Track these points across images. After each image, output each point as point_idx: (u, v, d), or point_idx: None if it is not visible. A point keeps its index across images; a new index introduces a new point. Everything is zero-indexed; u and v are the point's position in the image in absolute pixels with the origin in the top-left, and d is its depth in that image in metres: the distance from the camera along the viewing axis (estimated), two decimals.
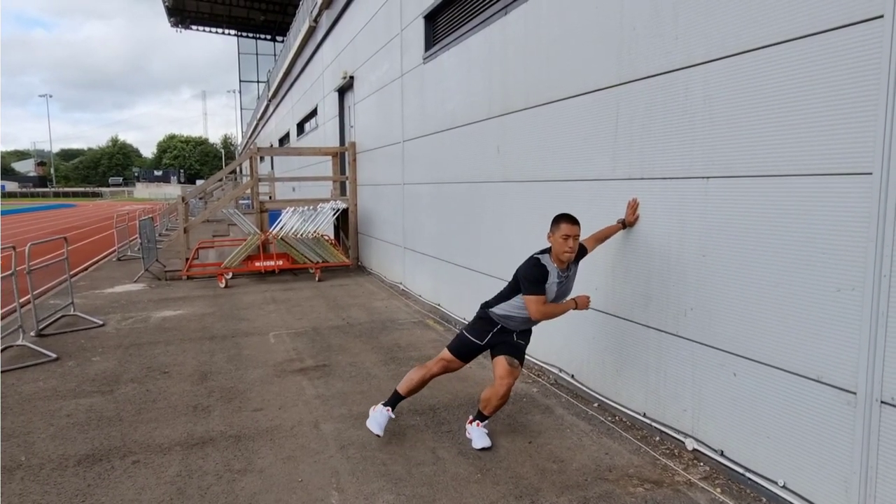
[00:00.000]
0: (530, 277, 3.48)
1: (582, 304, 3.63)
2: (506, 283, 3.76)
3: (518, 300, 3.60)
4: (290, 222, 10.46)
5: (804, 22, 2.75)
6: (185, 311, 7.91)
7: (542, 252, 3.60)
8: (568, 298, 3.68)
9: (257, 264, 10.40)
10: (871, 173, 2.52)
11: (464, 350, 3.80)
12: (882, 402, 2.55)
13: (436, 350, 5.93)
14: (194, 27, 43.10)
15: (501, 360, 3.66)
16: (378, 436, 3.76)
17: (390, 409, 3.83)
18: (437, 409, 4.41)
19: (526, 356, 3.91)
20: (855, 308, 2.62)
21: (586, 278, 4.43)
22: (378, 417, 3.79)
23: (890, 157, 2.44)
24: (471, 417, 3.89)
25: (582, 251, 3.80)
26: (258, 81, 51.62)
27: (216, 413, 4.36)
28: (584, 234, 3.73)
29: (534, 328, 3.85)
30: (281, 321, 7.28)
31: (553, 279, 3.53)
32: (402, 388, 3.86)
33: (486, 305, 3.79)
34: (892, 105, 2.42)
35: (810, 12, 2.72)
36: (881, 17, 2.44)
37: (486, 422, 3.84)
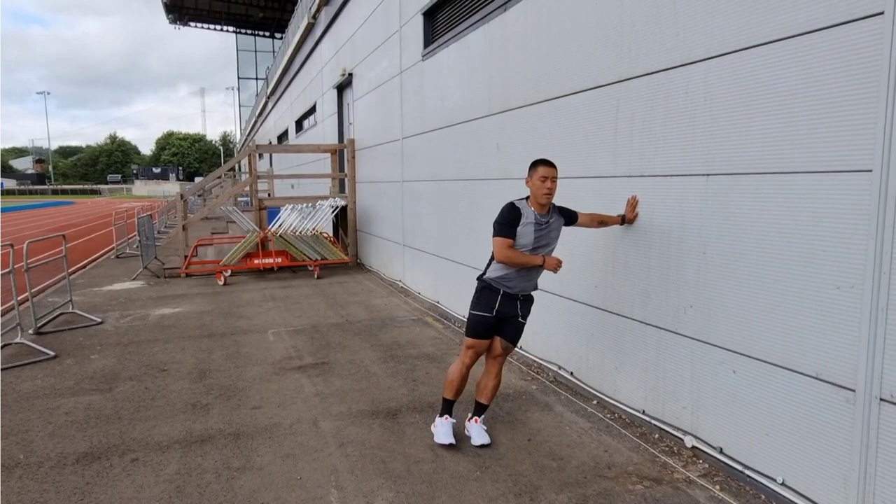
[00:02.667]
0: (500, 220, 3.51)
1: (550, 264, 3.54)
2: None
3: None
4: (288, 220, 10.44)
5: (804, 18, 2.74)
6: (183, 308, 7.90)
7: (521, 199, 3.61)
8: (543, 254, 3.61)
9: (256, 262, 10.38)
10: (871, 170, 2.51)
11: (480, 329, 3.71)
12: (881, 399, 2.55)
13: (435, 348, 5.94)
14: (192, 24, 43.00)
15: (497, 341, 3.70)
16: (452, 444, 3.70)
17: (447, 416, 3.82)
18: (437, 406, 4.40)
19: (525, 353, 3.91)
20: (854, 305, 2.62)
21: (585, 275, 4.43)
22: (441, 429, 3.77)
23: (890, 154, 2.44)
24: (470, 415, 3.89)
25: (571, 215, 3.79)
26: (257, 78, 51.53)
27: (215, 411, 4.35)
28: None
29: (534, 325, 3.82)
30: (280, 319, 7.28)
31: (529, 220, 3.51)
32: (447, 393, 3.81)
33: (481, 276, 3.75)
34: (893, 102, 2.41)
35: (810, 9, 2.71)
36: (882, 13, 2.43)
37: (484, 416, 3.83)
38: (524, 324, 3.76)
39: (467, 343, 3.76)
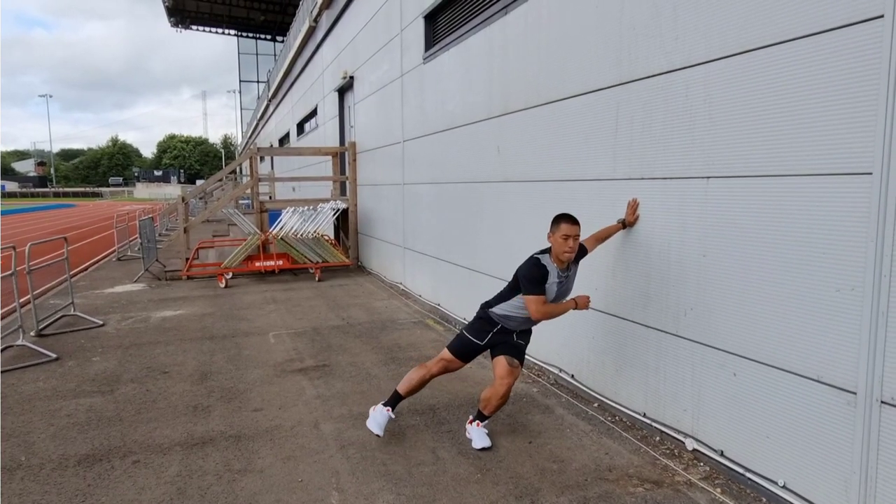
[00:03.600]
0: (530, 277, 3.48)
1: (582, 303, 3.62)
2: (506, 283, 3.76)
3: (518, 300, 3.60)
4: (290, 222, 10.45)
5: (804, 22, 2.75)
6: (185, 311, 7.91)
7: (542, 252, 3.60)
8: (568, 298, 3.68)
9: (257, 264, 10.39)
10: (871, 173, 2.52)
11: (464, 350, 3.80)
12: (882, 402, 2.55)
13: (436, 350, 5.93)
14: (194, 27, 43.10)
15: (501, 360, 3.66)
16: (378, 436, 3.76)
17: (390, 408, 3.83)
18: (437, 408, 4.41)
19: (526, 356, 3.91)
20: (855, 308, 2.62)
21: (586, 278, 4.42)
22: (378, 417, 3.80)
23: (890, 157, 2.44)
24: (471, 417, 3.89)
25: (582, 251, 3.80)
26: (258, 81, 51.65)
27: (216, 413, 4.36)
28: (584, 234, 3.73)
29: (533, 328, 3.85)
30: (281, 321, 7.28)
31: (553, 279, 3.53)
32: (402, 388, 3.86)
33: (487, 305, 3.79)
34: (892, 105, 2.42)
35: (810, 12, 2.72)
36: (881, 16, 2.44)
37: (486, 422, 3.84)
38: (523, 344, 3.79)
39: (444, 355, 3.85)
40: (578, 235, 3.51)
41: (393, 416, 3.84)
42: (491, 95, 5.89)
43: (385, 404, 3.85)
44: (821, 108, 2.71)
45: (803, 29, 2.75)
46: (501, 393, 3.62)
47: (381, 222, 10.35)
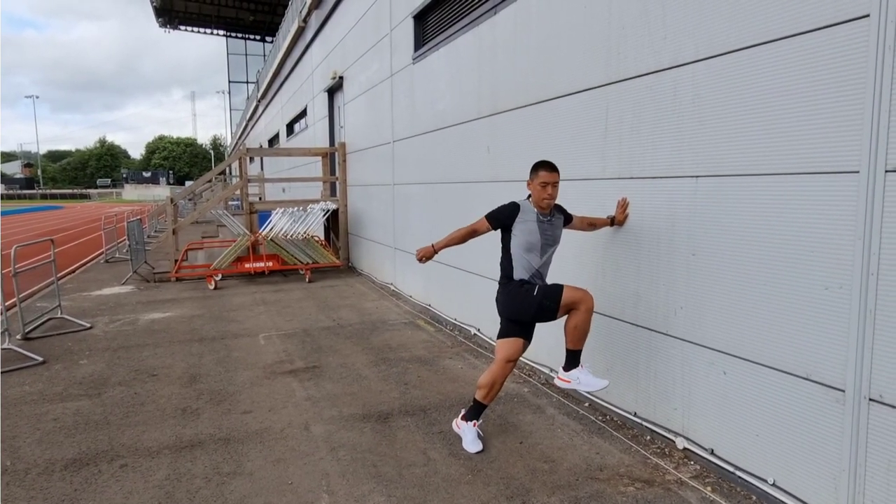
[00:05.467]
0: (497, 208, 3.60)
1: (422, 251, 3.72)
2: (496, 282, 3.75)
3: (514, 250, 3.57)
4: (279, 223, 10.40)
5: (791, 21, 2.76)
6: (173, 313, 7.85)
7: (525, 199, 3.65)
8: (551, 248, 3.65)
9: (247, 266, 10.33)
10: (857, 171, 2.53)
11: (523, 329, 3.68)
12: (870, 399, 2.56)
13: (427, 351, 5.93)
14: (183, 27, 42.84)
15: (519, 343, 3.62)
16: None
17: (476, 422, 3.78)
18: (428, 409, 4.39)
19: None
20: (843, 306, 2.64)
21: (576, 277, 4.43)
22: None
23: (876, 155, 2.46)
24: (463, 413, 3.84)
25: (567, 216, 3.84)
26: (248, 82, 51.40)
27: (205, 416, 4.32)
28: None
29: (527, 320, 3.72)
30: (271, 323, 7.24)
31: (531, 218, 3.54)
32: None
33: (506, 279, 3.66)
34: (879, 104, 2.44)
35: (797, 12, 2.73)
36: (867, 16, 2.45)
37: (481, 421, 3.81)
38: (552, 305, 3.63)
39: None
40: (557, 183, 3.54)
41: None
42: (480, 95, 5.89)
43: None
44: (808, 108, 2.72)
45: (790, 28, 2.76)
46: (504, 375, 3.62)
47: (372, 223, 10.32)
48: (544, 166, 3.54)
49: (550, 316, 3.56)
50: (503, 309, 3.70)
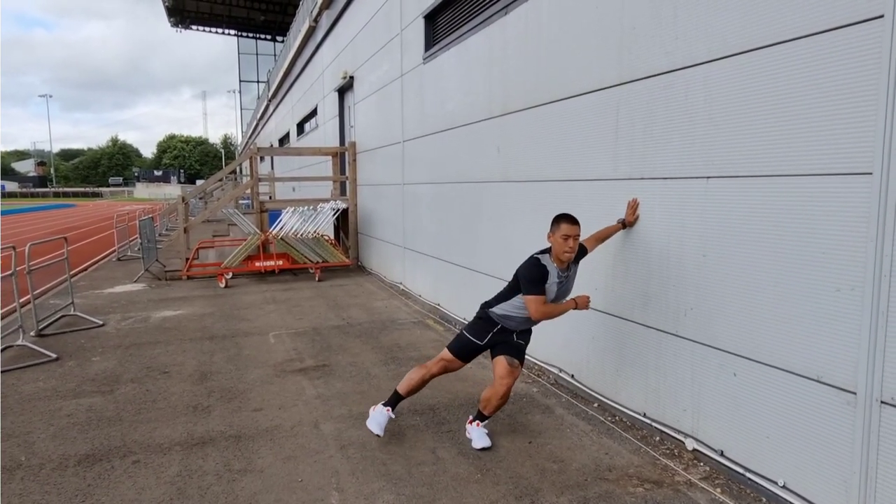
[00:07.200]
0: (530, 277, 3.48)
1: (582, 303, 3.62)
2: (505, 283, 3.76)
3: (518, 300, 3.60)
4: (290, 222, 10.45)
5: (805, 22, 2.75)
6: (185, 311, 7.91)
7: (542, 252, 3.60)
8: (568, 298, 3.68)
9: (257, 264, 10.39)
10: (871, 173, 2.52)
11: (464, 350, 3.80)
12: (882, 402, 2.55)
13: (436, 350, 5.93)
14: (194, 27, 43.10)
15: (502, 360, 3.66)
16: (378, 435, 3.76)
17: (390, 408, 3.84)
18: (437, 408, 4.41)
19: (526, 356, 3.91)
20: (855, 308, 2.62)
21: (586, 278, 4.43)
22: (378, 417, 3.80)
23: (890, 157, 2.44)
24: (471, 417, 3.89)
25: (582, 251, 3.80)
26: (258, 81, 51.65)
27: (216, 413, 4.36)
28: (585, 234, 3.72)
29: (533, 328, 3.84)
30: (281, 321, 7.28)
31: (553, 279, 3.53)
32: (401, 387, 3.86)
33: (486, 305, 3.79)
34: (893, 105, 2.42)
35: (811, 12, 2.72)
36: (881, 16, 2.44)
37: (486, 422, 3.84)
38: (523, 343, 3.78)
39: (444, 355, 3.85)
40: (578, 235, 3.51)
41: (393, 416, 3.84)
42: (491, 95, 5.89)
43: (385, 404, 3.85)
44: (821, 109, 2.71)
45: (804, 29, 2.75)
46: (501, 393, 3.62)
47: (381, 222, 10.35)
48: (566, 219, 3.49)
49: (473, 354, 3.83)
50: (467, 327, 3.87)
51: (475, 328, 3.77)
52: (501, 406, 3.72)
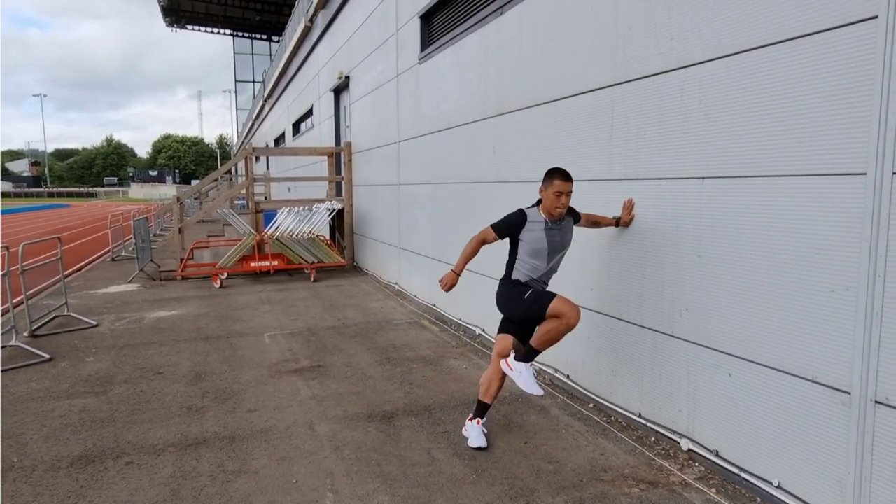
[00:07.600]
0: (504, 217, 3.58)
1: (444, 280, 3.73)
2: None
3: (523, 254, 3.58)
4: (285, 222, 10.43)
5: (799, 22, 2.75)
6: (179, 311, 7.88)
7: (532, 206, 3.62)
8: (557, 257, 3.63)
9: (252, 265, 10.37)
10: (864, 174, 2.52)
11: (513, 320, 3.72)
12: (876, 401, 2.55)
13: (431, 351, 5.93)
14: (190, 27, 42.98)
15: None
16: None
17: (479, 419, 3.80)
18: (433, 409, 4.40)
19: None
20: (849, 308, 2.63)
21: (581, 278, 4.43)
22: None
23: (884, 157, 2.45)
24: (471, 415, 3.87)
25: (577, 215, 3.81)
26: (254, 81, 51.55)
27: (210, 414, 4.34)
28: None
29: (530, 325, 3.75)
30: (276, 322, 7.26)
31: (538, 227, 3.52)
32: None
33: (506, 279, 3.68)
34: (887, 106, 2.43)
35: (805, 13, 2.72)
36: (875, 17, 2.45)
37: (485, 419, 3.82)
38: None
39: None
40: (571, 192, 3.50)
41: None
42: (486, 96, 5.89)
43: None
44: (815, 109, 2.71)
45: (799, 29, 2.76)
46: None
47: (377, 223, 10.34)
48: (559, 174, 3.48)
49: (536, 321, 3.59)
50: (498, 305, 3.75)
51: (511, 295, 3.62)
52: (501, 386, 3.74)
